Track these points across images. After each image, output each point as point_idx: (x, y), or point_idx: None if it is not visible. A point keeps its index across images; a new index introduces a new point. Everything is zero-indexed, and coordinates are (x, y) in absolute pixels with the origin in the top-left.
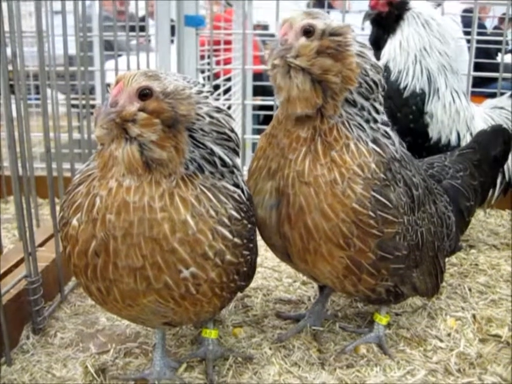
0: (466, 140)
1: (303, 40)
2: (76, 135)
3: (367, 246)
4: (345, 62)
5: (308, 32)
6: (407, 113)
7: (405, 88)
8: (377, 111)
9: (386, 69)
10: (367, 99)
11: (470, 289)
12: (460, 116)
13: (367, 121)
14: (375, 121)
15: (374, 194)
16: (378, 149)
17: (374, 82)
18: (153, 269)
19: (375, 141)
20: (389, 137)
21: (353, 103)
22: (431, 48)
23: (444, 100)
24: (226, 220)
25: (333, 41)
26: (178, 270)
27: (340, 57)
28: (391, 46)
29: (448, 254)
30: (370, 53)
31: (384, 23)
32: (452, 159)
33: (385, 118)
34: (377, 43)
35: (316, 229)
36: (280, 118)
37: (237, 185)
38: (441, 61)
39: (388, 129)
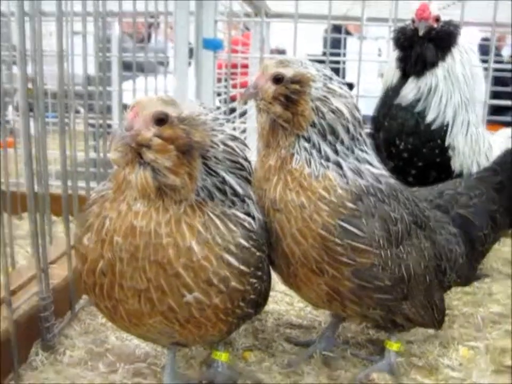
0: None
1: (268, 85)
2: (92, 154)
3: (340, 273)
4: (297, 109)
5: (277, 79)
6: (432, 148)
7: (433, 120)
8: (336, 152)
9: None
10: (323, 139)
11: (483, 319)
12: (480, 147)
13: (320, 157)
14: (327, 159)
15: (341, 223)
16: (342, 178)
17: (330, 126)
18: (157, 291)
19: (338, 171)
20: (357, 173)
21: (307, 139)
22: (465, 79)
23: (465, 131)
24: (233, 248)
25: (288, 89)
26: (181, 294)
27: (290, 105)
28: (439, 72)
29: (460, 283)
30: (336, 98)
31: (437, 39)
32: (467, 184)
33: (358, 155)
34: (424, 61)
35: (292, 254)
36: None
37: (248, 214)
38: (467, 92)
39: (358, 165)
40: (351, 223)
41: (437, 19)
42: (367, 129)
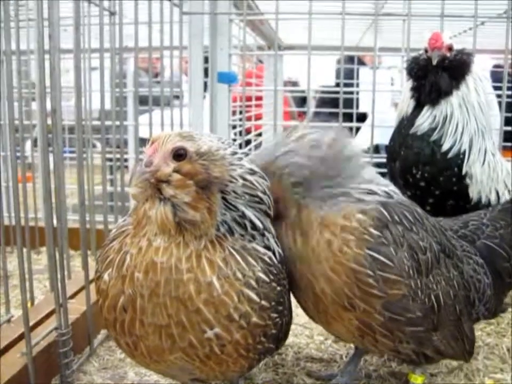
0: (505, 197)
1: None
2: (109, 188)
3: (371, 307)
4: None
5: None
6: (449, 176)
7: (450, 149)
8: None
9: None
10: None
11: (508, 350)
12: (498, 174)
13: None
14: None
15: (370, 252)
16: (357, 203)
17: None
18: (178, 327)
19: (348, 200)
20: (370, 192)
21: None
22: (480, 106)
23: (482, 159)
24: (253, 282)
25: None
26: (202, 330)
27: None
28: (454, 100)
29: (488, 316)
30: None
31: (450, 68)
32: (492, 215)
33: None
34: (439, 90)
35: (324, 295)
36: None
37: (268, 248)
38: (483, 119)
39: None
40: (379, 252)
41: (450, 48)
42: (383, 158)
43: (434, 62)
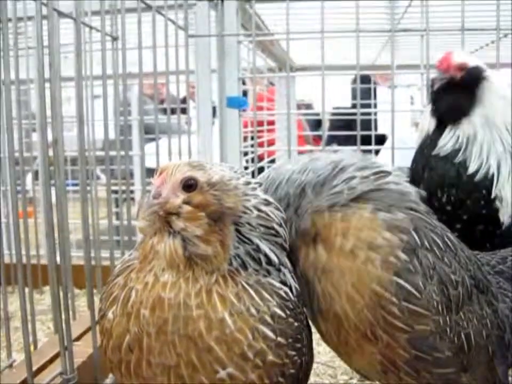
0: None
1: None
2: (115, 221)
3: (395, 341)
4: None
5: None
6: (477, 199)
7: (476, 171)
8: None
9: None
10: None
11: None
12: None
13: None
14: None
15: (396, 278)
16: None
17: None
18: (188, 368)
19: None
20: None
21: None
22: (506, 124)
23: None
24: (268, 318)
25: None
26: (214, 370)
27: None
28: (476, 120)
29: None
30: None
31: (459, 90)
32: None
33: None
34: (458, 111)
35: (345, 316)
36: None
37: (284, 283)
38: (509, 138)
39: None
40: (407, 281)
41: (461, 67)
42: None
43: (435, 87)
